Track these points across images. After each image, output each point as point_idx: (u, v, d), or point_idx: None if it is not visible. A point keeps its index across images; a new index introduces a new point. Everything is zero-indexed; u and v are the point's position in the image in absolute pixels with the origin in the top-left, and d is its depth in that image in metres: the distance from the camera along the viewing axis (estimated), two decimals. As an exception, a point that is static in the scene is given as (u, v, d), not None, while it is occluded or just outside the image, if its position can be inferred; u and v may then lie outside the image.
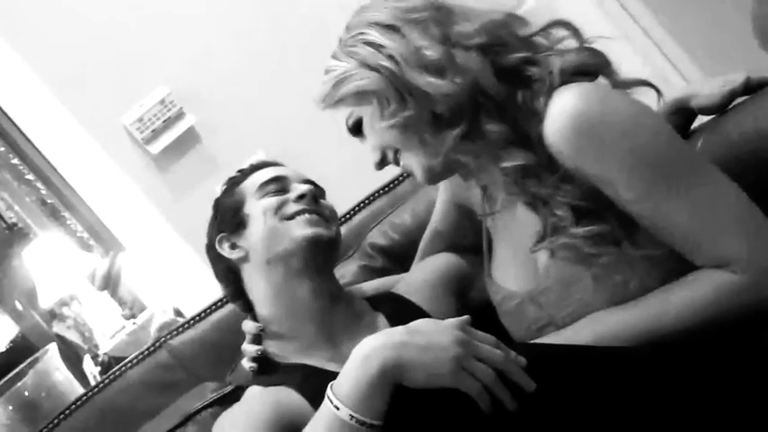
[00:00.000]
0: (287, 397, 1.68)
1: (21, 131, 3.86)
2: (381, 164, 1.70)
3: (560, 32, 1.62)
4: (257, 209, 1.85)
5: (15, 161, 4.19)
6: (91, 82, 3.67)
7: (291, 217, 1.83)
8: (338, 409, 1.34)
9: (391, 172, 2.53)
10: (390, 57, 1.56)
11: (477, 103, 1.54)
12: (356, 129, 1.68)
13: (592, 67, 1.59)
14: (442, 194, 2.00)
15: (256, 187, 1.88)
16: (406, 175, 2.52)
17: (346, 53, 1.61)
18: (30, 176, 4.29)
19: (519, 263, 1.68)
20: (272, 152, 3.69)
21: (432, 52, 1.55)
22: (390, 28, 1.58)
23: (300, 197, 1.85)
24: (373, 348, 1.35)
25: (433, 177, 1.67)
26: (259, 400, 1.70)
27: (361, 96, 1.60)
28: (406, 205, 2.42)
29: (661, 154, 1.49)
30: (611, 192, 1.49)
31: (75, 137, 3.69)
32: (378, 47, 1.58)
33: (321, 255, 1.83)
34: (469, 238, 1.93)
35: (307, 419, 1.40)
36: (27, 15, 3.65)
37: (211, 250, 1.92)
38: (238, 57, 3.82)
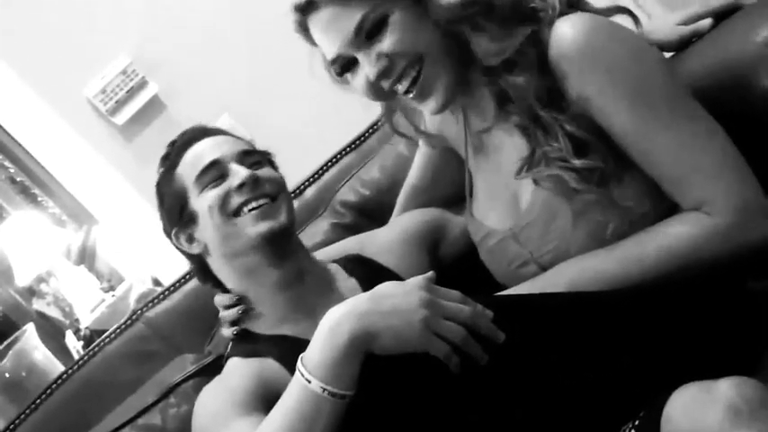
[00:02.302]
0: (268, 368, 1.67)
1: (-16, 111, 3.83)
2: (381, 76, 1.58)
3: None
4: (201, 205, 1.76)
5: (-19, 142, 4.17)
6: (50, 56, 3.63)
7: (237, 212, 1.74)
8: (309, 382, 1.34)
9: (356, 128, 2.54)
10: None
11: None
12: (372, 31, 1.55)
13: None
14: (423, 144, 1.97)
15: (193, 179, 1.77)
16: (372, 131, 2.51)
17: None
18: (-2, 156, 4.27)
19: (500, 200, 1.68)
20: (238, 115, 3.69)
21: None
22: None
23: (241, 186, 1.74)
24: (340, 318, 1.35)
25: (449, 99, 1.60)
26: (240, 373, 1.69)
27: None
28: (375, 160, 2.41)
29: (658, 85, 1.49)
30: (606, 120, 1.48)
31: (39, 113, 3.65)
32: None
33: (278, 245, 1.76)
34: (450, 188, 1.92)
35: None
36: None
37: (170, 239, 1.86)
38: (198, 21, 3.78)
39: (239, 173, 1.75)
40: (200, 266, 1.86)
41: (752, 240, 1.45)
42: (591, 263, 1.52)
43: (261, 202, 1.75)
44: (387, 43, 1.55)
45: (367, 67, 1.57)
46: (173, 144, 1.86)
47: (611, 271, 1.50)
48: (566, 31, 1.49)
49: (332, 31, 1.57)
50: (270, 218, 1.74)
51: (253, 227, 1.73)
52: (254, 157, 1.82)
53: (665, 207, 1.52)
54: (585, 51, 1.47)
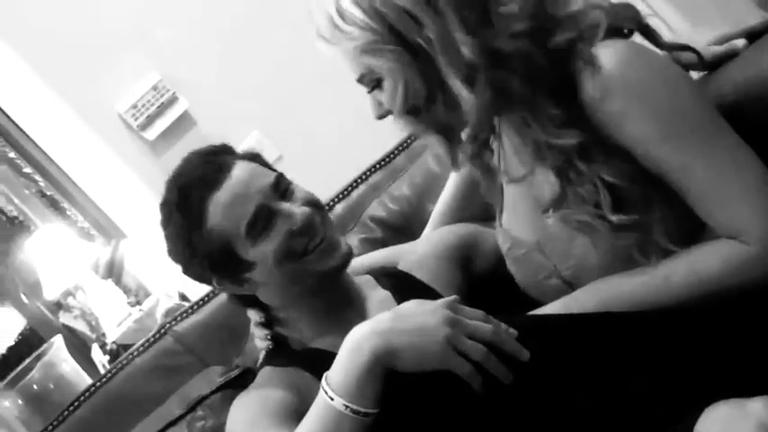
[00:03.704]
0: (302, 380, 1.66)
1: (16, 125, 3.85)
2: (385, 117, 1.63)
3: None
4: (261, 255, 1.67)
5: (12, 155, 4.18)
6: (83, 71, 3.66)
7: (303, 253, 1.69)
8: (332, 399, 1.34)
9: (385, 145, 2.55)
10: (428, 39, 1.48)
11: (529, 87, 1.49)
12: (371, 86, 1.59)
13: (626, 22, 1.58)
14: None
15: (244, 232, 1.66)
16: (401, 148, 2.52)
17: (375, 11, 1.49)
18: (28, 169, 4.28)
19: (528, 212, 1.67)
20: (267, 131, 3.70)
21: (469, 51, 1.46)
22: (431, 4, 1.47)
23: (305, 230, 1.68)
24: (362, 336, 1.36)
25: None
26: (275, 383, 1.68)
27: (386, 74, 1.53)
28: (404, 177, 2.42)
29: (694, 116, 1.48)
30: (642, 149, 1.48)
31: (71, 127, 3.68)
32: (416, 21, 1.48)
33: (341, 273, 1.75)
34: (482, 206, 1.92)
35: None
36: (16, 7, 3.63)
37: (200, 281, 1.79)
38: (228, 38, 3.80)
39: (294, 214, 1.68)
40: (244, 298, 1.80)
41: None
42: (620, 287, 1.52)
43: (320, 236, 1.69)
44: (384, 101, 1.58)
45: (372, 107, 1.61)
46: (185, 191, 1.70)
47: (640, 294, 1.50)
48: (602, 61, 1.47)
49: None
50: (335, 250, 1.71)
51: (323, 263, 1.70)
52: (284, 182, 1.74)
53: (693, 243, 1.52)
54: (622, 80, 1.46)
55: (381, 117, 1.64)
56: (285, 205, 1.69)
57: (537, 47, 1.49)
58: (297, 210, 1.68)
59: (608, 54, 1.48)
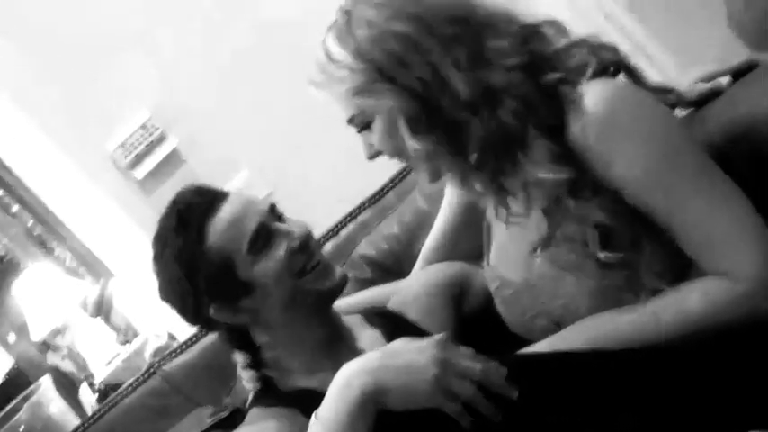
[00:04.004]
0: (291, 418, 1.64)
1: (3, 163, 3.85)
2: (376, 157, 1.65)
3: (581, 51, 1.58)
4: (262, 272, 1.67)
5: (0, 193, 4.18)
6: (71, 109, 3.66)
7: (303, 272, 1.69)
8: None
9: (374, 184, 2.55)
10: (421, 80, 1.50)
11: (522, 122, 1.50)
12: (362, 126, 1.61)
13: (611, 64, 1.58)
14: (449, 197, 1.98)
15: (245, 248, 1.67)
16: (390, 186, 2.52)
17: (362, 55, 1.52)
18: (15, 208, 4.28)
19: (516, 251, 1.67)
20: (256, 170, 3.71)
21: (465, 86, 1.49)
22: (419, 47, 1.50)
23: (303, 247, 1.69)
24: (352, 375, 1.36)
25: (438, 178, 1.64)
26: (264, 423, 1.67)
27: (381, 112, 1.55)
28: (393, 216, 2.42)
29: (682, 154, 1.49)
30: (630, 190, 1.48)
31: (59, 165, 3.67)
32: (404, 64, 1.50)
33: (338, 296, 1.75)
34: (473, 243, 1.91)
35: None
36: (2, 45, 3.64)
37: (194, 316, 1.76)
38: (218, 77, 3.81)
39: (292, 232, 1.70)
40: (234, 334, 1.78)
41: None
42: (609, 326, 1.52)
43: (317, 257, 1.72)
44: (375, 141, 1.60)
45: (364, 145, 1.63)
46: (183, 214, 1.70)
47: (628, 332, 1.50)
48: (589, 102, 1.48)
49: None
50: (332, 273, 1.72)
51: (320, 283, 1.70)
52: (278, 209, 1.76)
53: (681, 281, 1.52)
54: (609, 121, 1.47)
55: (373, 157, 1.66)
56: (284, 225, 1.71)
57: (530, 82, 1.51)
58: (295, 228, 1.71)
59: (595, 94, 1.49)
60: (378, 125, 1.57)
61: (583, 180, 1.50)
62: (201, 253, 1.67)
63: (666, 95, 1.65)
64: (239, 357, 1.81)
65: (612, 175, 1.48)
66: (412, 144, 1.54)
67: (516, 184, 1.58)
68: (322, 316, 1.75)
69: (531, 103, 1.50)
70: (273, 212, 1.73)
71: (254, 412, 1.73)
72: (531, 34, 1.56)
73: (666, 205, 1.47)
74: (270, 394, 1.76)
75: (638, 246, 1.50)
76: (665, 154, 1.47)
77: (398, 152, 1.60)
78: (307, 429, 1.40)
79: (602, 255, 1.50)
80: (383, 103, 1.52)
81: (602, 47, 1.59)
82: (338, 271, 1.74)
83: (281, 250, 1.68)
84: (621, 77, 1.60)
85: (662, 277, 1.51)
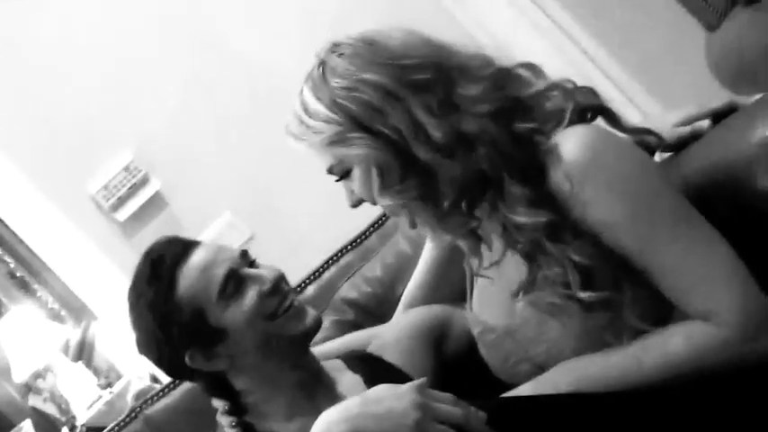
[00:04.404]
0: None
1: (-15, 206, 3.84)
2: (359, 205, 1.66)
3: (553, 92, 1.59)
4: (234, 318, 1.66)
5: (-19, 236, 4.17)
6: (53, 151, 3.67)
7: (274, 315, 1.68)
8: None
9: (356, 226, 2.55)
10: (394, 128, 1.51)
11: (496, 169, 1.51)
12: (341, 175, 1.63)
13: (588, 108, 1.60)
14: (430, 243, 1.98)
15: (215, 296, 1.66)
16: (373, 229, 2.53)
17: (337, 105, 1.53)
18: (-3, 250, 4.27)
19: (498, 296, 1.67)
20: (239, 213, 3.71)
21: (437, 132, 1.50)
22: (391, 94, 1.51)
23: (275, 291, 1.69)
24: (331, 422, 1.36)
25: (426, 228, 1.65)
26: None
27: (357, 162, 1.56)
28: (376, 258, 2.42)
29: (660, 201, 1.49)
30: (609, 234, 1.49)
31: (41, 207, 3.68)
32: (379, 112, 1.51)
33: (310, 341, 1.75)
34: (454, 287, 1.92)
35: None
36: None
37: (171, 366, 1.77)
38: (200, 119, 3.82)
39: (263, 276, 1.69)
40: (212, 382, 1.77)
41: (757, 351, 1.45)
42: (591, 369, 1.52)
43: (289, 300, 1.71)
44: (354, 189, 1.62)
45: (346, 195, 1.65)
46: (155, 264, 1.70)
47: (611, 376, 1.50)
48: (564, 150, 1.49)
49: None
50: (304, 315, 1.71)
51: (293, 326, 1.69)
52: (249, 255, 1.76)
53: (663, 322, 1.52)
54: (588, 168, 1.48)
55: (356, 205, 1.67)
56: (254, 270, 1.71)
57: (501, 128, 1.51)
58: (266, 272, 1.70)
59: (573, 140, 1.50)
60: (356, 173, 1.59)
61: (563, 223, 1.50)
62: (173, 302, 1.67)
63: (645, 137, 1.66)
64: (218, 404, 1.79)
65: (592, 220, 1.48)
66: (381, 200, 1.56)
67: (493, 229, 1.58)
68: (297, 358, 1.73)
69: (504, 150, 1.51)
70: (245, 258, 1.73)
71: None
72: (505, 77, 1.57)
73: (645, 250, 1.48)
74: None
75: (619, 287, 1.51)
76: (644, 198, 1.48)
77: (377, 201, 1.61)
78: None
79: (584, 295, 1.50)
80: (359, 152, 1.54)
81: (578, 90, 1.60)
82: (311, 313, 1.72)
83: (252, 295, 1.67)
84: (599, 122, 1.61)
85: (644, 319, 1.51)
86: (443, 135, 1.50)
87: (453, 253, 1.91)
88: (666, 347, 1.48)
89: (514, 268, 1.59)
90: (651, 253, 1.48)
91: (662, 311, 1.52)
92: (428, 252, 2.00)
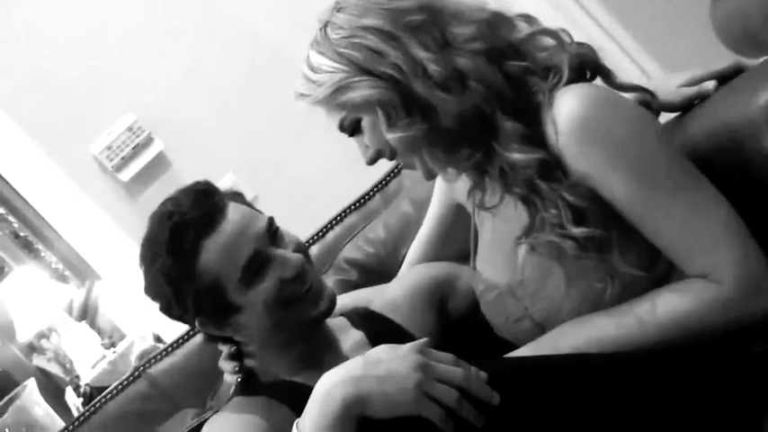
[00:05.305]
0: (271, 408, 1.64)
1: (-11, 166, 3.84)
2: (375, 160, 1.67)
3: (546, 40, 1.60)
4: (251, 299, 1.65)
5: (-15, 197, 4.18)
6: (57, 112, 3.66)
7: (292, 300, 1.66)
8: None
9: (361, 185, 2.56)
10: (395, 65, 1.52)
11: (489, 105, 1.52)
12: (352, 129, 1.64)
13: (586, 65, 1.59)
14: (436, 199, 1.99)
15: (237, 277, 1.63)
16: (376, 190, 2.53)
17: (340, 55, 1.55)
18: (1, 210, 4.27)
19: (502, 254, 1.68)
20: (242, 173, 3.71)
21: (435, 66, 1.51)
22: (389, 36, 1.54)
23: (296, 278, 1.65)
24: (333, 384, 1.35)
25: (435, 175, 1.65)
26: (243, 412, 1.65)
27: (364, 105, 1.56)
28: (379, 219, 2.43)
29: (660, 161, 1.49)
30: (607, 193, 1.49)
31: (45, 168, 3.67)
32: (379, 54, 1.53)
33: (324, 320, 1.74)
34: (460, 244, 1.91)
35: None
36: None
37: (174, 317, 1.72)
38: (203, 79, 3.81)
39: (287, 261, 1.66)
40: (218, 336, 1.76)
41: (755, 310, 1.45)
42: (592, 329, 1.53)
43: (308, 284, 1.68)
44: (367, 141, 1.62)
45: (361, 152, 1.66)
46: (178, 230, 1.63)
47: (612, 337, 1.50)
48: (564, 106, 1.49)
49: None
50: (321, 297, 1.70)
51: (309, 310, 1.68)
52: (274, 226, 1.70)
53: (663, 269, 1.53)
54: (584, 127, 1.47)
55: (372, 161, 1.67)
56: (279, 252, 1.67)
57: (494, 66, 1.53)
58: (290, 256, 1.67)
59: (569, 100, 1.50)
60: (365, 122, 1.60)
61: (556, 163, 1.51)
62: (192, 273, 1.63)
63: (639, 94, 1.66)
64: (223, 348, 1.80)
65: (591, 181, 1.49)
66: (390, 136, 1.56)
67: (492, 171, 1.59)
68: (308, 333, 1.74)
69: (496, 87, 1.52)
70: (270, 230, 1.68)
71: (235, 401, 1.72)
72: (499, 21, 1.59)
73: (642, 213, 1.48)
74: (252, 384, 1.75)
75: (609, 229, 1.51)
76: (641, 163, 1.48)
77: (389, 147, 1.61)
78: (289, 422, 1.40)
79: (577, 231, 1.50)
80: (363, 93, 1.54)
81: (574, 45, 1.60)
82: (326, 296, 1.71)
83: (273, 279, 1.65)
84: (598, 81, 1.61)
85: (634, 264, 1.51)
86: (440, 70, 1.51)
87: (458, 211, 1.92)
88: (666, 306, 1.48)
89: (517, 221, 1.59)
90: (649, 216, 1.48)
91: (652, 259, 1.53)
92: (432, 210, 2.01)
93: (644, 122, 1.53)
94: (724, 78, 1.73)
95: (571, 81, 1.54)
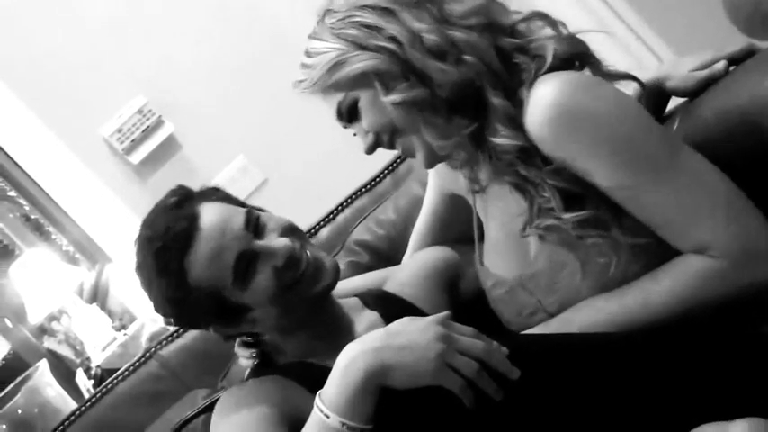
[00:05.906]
0: (286, 387, 1.65)
1: (0, 149, 3.85)
2: (374, 148, 1.66)
3: (538, 23, 1.61)
4: (254, 298, 1.66)
5: (-3, 179, 4.19)
6: (67, 95, 3.66)
7: (293, 284, 1.67)
8: (328, 417, 1.35)
9: (370, 169, 2.56)
10: (391, 38, 1.53)
11: (481, 80, 1.53)
12: (350, 114, 1.63)
13: (575, 56, 1.59)
14: (431, 188, 2.00)
15: (230, 282, 1.64)
16: (386, 173, 2.53)
17: (336, 35, 1.57)
18: (12, 193, 4.28)
19: (509, 248, 1.69)
20: (252, 156, 3.71)
21: (432, 36, 1.53)
22: (385, 11, 1.55)
23: (289, 264, 1.66)
24: (355, 354, 1.36)
25: (435, 160, 1.64)
26: (258, 393, 1.66)
27: (361, 79, 1.56)
28: (389, 201, 2.43)
29: (641, 144, 1.49)
30: (591, 180, 1.50)
31: (56, 151, 3.67)
32: (375, 29, 1.54)
33: (332, 290, 1.74)
34: (460, 228, 1.92)
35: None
36: (-1, 33, 3.64)
37: (186, 327, 1.80)
38: (214, 61, 3.81)
39: (275, 251, 1.66)
40: (238, 335, 1.80)
41: (756, 281, 1.46)
42: (598, 311, 1.54)
43: (304, 264, 1.68)
44: (364, 123, 1.61)
45: (361, 141, 1.65)
46: (160, 256, 1.64)
47: (619, 317, 1.52)
48: (541, 96, 1.50)
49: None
50: (322, 272, 1.70)
51: (313, 287, 1.69)
52: (253, 217, 1.70)
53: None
54: (562, 116, 1.48)
55: (371, 149, 1.66)
56: (262, 244, 1.67)
57: (487, 41, 1.55)
58: (276, 246, 1.67)
59: (548, 87, 1.50)
60: (363, 101, 1.59)
61: (534, 150, 1.52)
62: (188, 289, 1.65)
63: (665, 83, 1.66)
64: (242, 351, 1.81)
65: (577, 167, 1.49)
66: (390, 99, 1.56)
67: (483, 154, 1.60)
68: (319, 309, 1.75)
69: (488, 61, 1.54)
70: (249, 225, 1.68)
71: (250, 383, 1.73)
72: (494, 2, 1.61)
73: (628, 194, 1.49)
74: (267, 366, 1.78)
75: (602, 207, 1.52)
76: (621, 141, 1.48)
77: (388, 125, 1.60)
78: (303, 399, 1.41)
79: (568, 216, 1.51)
80: (359, 65, 1.55)
81: (568, 35, 1.61)
82: (327, 267, 1.71)
83: (267, 272, 1.65)
84: (586, 71, 1.60)
85: (636, 233, 1.52)
86: (437, 40, 1.53)
87: (454, 200, 1.93)
88: (668, 283, 1.49)
89: (519, 216, 1.60)
90: (635, 200, 1.49)
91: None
92: (428, 200, 2.02)
93: (624, 106, 1.52)
94: (735, 61, 1.73)
95: (557, 68, 1.54)
